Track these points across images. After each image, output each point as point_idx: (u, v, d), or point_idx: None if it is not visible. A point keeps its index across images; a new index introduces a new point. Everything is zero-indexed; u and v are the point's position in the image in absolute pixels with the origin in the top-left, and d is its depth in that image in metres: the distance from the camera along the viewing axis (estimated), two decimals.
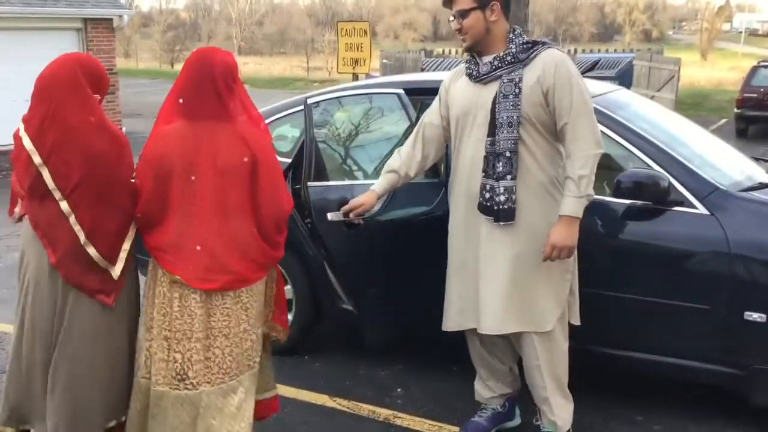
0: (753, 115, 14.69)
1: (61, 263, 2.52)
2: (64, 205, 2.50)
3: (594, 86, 3.94)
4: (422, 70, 19.76)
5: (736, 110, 15.04)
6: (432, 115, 3.02)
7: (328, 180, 3.18)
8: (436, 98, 3.04)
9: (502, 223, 2.78)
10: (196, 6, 68.32)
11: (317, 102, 3.21)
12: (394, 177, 3.05)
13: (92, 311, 2.57)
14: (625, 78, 16.93)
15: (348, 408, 3.53)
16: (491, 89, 2.80)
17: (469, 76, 2.90)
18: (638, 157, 3.30)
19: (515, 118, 2.74)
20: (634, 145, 3.33)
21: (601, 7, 75.03)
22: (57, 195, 2.51)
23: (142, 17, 51.49)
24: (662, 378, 3.45)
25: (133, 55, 44.42)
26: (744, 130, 14.97)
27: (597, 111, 3.40)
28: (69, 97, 2.56)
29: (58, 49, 13.23)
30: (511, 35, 2.83)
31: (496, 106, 2.76)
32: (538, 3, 69.50)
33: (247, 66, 44.71)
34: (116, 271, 2.55)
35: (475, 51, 2.86)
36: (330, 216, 3.01)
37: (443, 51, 22.87)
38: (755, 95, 14.62)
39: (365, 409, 3.52)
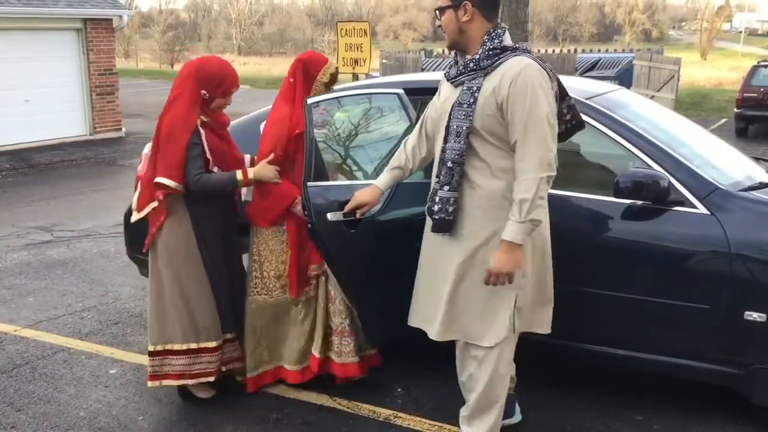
0: (753, 115, 14.69)
1: None
2: None
3: (594, 86, 3.94)
4: (422, 70, 19.74)
5: (735, 110, 15.03)
6: (432, 108, 2.98)
7: (327, 180, 3.17)
8: (437, 91, 2.99)
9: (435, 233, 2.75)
10: (195, 6, 68.29)
11: (317, 102, 3.19)
12: (399, 173, 3.02)
13: None
14: (625, 78, 16.91)
15: (348, 408, 3.53)
16: (456, 93, 2.73)
17: (445, 75, 2.85)
18: (638, 156, 3.30)
19: (464, 128, 2.64)
20: (633, 145, 3.32)
21: (600, 7, 75.00)
22: None
23: (141, 17, 51.46)
24: (663, 377, 3.45)
25: (133, 55, 44.40)
26: (744, 130, 14.96)
27: (597, 110, 3.43)
28: None
29: (58, 49, 13.37)
30: (485, 38, 2.68)
31: (452, 113, 2.68)
32: (539, 3, 69.41)
33: (247, 66, 44.67)
34: None
35: (456, 50, 2.79)
36: (330, 216, 3.00)
37: (443, 51, 22.82)
38: (755, 95, 14.62)
39: (365, 409, 3.52)
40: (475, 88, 2.64)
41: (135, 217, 3.33)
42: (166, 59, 42.35)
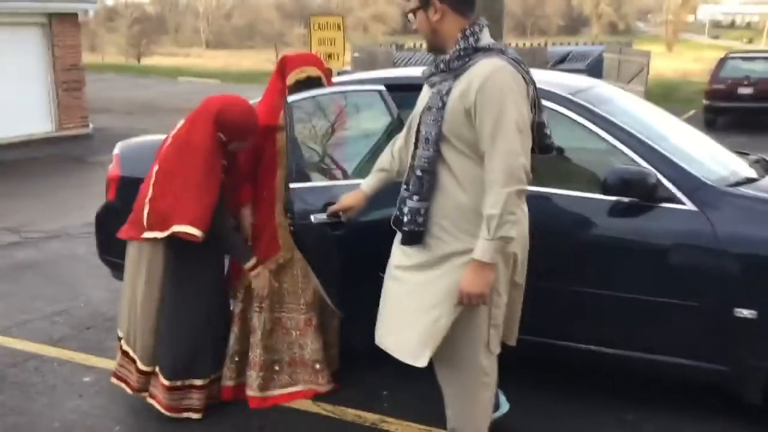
0: (721, 106, 14.87)
1: None
2: None
3: (576, 81, 3.89)
4: (394, 63, 19.64)
5: (704, 101, 15.21)
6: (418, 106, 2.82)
7: (310, 181, 3.07)
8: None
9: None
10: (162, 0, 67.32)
11: (297, 100, 3.09)
12: (384, 176, 2.90)
13: None
14: (594, 70, 16.96)
15: (333, 413, 3.44)
16: (429, 94, 2.55)
17: (422, 74, 2.67)
18: (624, 153, 3.26)
19: (433, 134, 2.45)
20: (620, 141, 3.28)
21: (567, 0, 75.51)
22: None
23: (107, 11, 50.53)
24: (655, 377, 3.42)
25: (99, 49, 43.61)
26: (713, 121, 15.14)
27: (581, 106, 3.38)
28: None
29: (22, 44, 12.99)
30: (459, 36, 2.48)
31: (422, 117, 2.52)
32: None
33: (217, 60, 44.17)
34: None
35: (434, 52, 2.61)
36: (314, 218, 2.91)
37: (414, 45, 22.74)
38: (723, 86, 14.79)
39: (350, 414, 3.44)
40: (444, 92, 2.45)
41: (146, 234, 3.19)
42: (133, 53, 41.68)
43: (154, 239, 3.15)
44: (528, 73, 2.54)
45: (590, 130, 3.33)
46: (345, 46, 9.04)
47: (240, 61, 41.91)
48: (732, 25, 76.72)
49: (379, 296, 2.77)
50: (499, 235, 2.37)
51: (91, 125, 13.69)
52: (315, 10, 67.23)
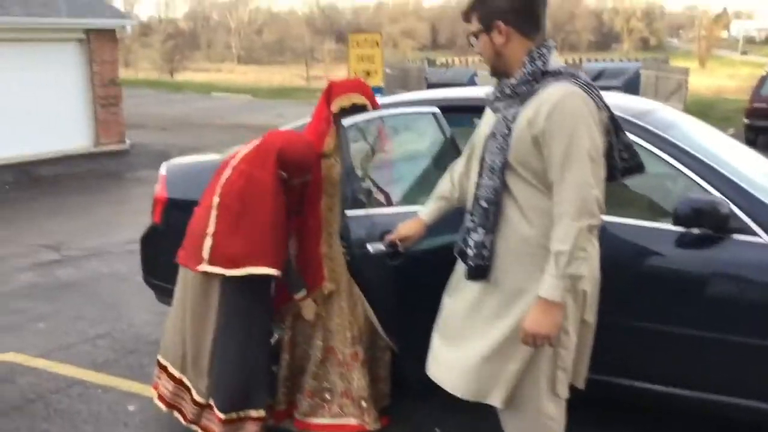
0: (762, 126, 14.51)
1: None
2: None
3: (638, 103, 3.76)
4: (426, 80, 19.60)
5: (745, 120, 14.87)
6: (480, 130, 2.67)
7: (365, 207, 2.96)
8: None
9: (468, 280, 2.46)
10: (195, 15, 68.24)
11: (353, 124, 2.98)
12: (444, 204, 2.77)
13: None
14: (631, 87, 16.79)
15: None
16: (493, 121, 2.42)
17: (485, 98, 2.54)
18: (695, 181, 3.11)
19: (498, 163, 2.32)
20: (689, 168, 3.13)
21: (598, 15, 75.09)
22: None
23: (141, 27, 51.31)
24: (724, 419, 3.24)
25: (133, 64, 44.25)
26: (753, 141, 14.79)
27: (647, 131, 3.23)
28: None
29: (61, 59, 13.16)
30: (525, 59, 2.34)
31: (487, 144, 2.39)
32: None
33: (247, 75, 44.57)
34: None
35: (498, 76, 2.47)
36: (371, 247, 2.80)
37: (446, 61, 22.72)
38: (765, 105, 14.45)
39: None
40: (510, 118, 2.32)
41: (205, 268, 3.09)
42: (166, 69, 42.20)
43: (218, 276, 3.07)
44: (601, 98, 2.40)
45: (657, 156, 3.18)
46: (383, 63, 8.99)
47: (270, 77, 42.26)
48: (767, 41, 75.56)
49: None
50: (569, 272, 2.24)
51: (128, 141, 13.78)
52: (344, 26, 67.79)
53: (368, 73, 8.77)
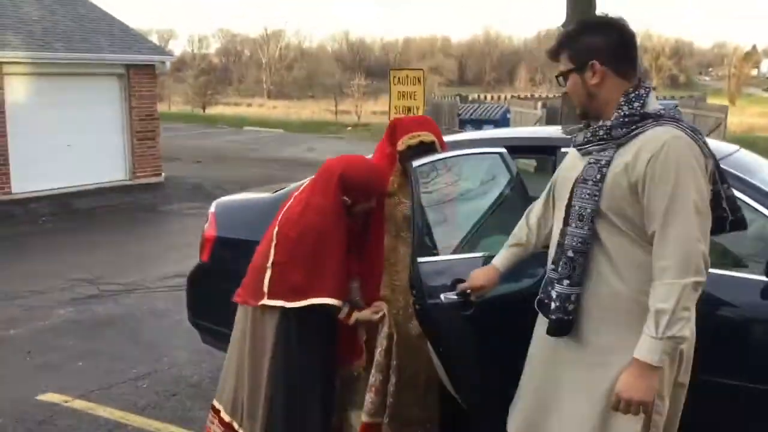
0: None
1: None
2: None
3: (720, 145, 3.57)
4: (458, 115, 19.54)
5: None
6: (561, 172, 2.50)
7: (436, 254, 2.79)
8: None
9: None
10: (227, 51, 69.42)
11: (423, 164, 2.83)
12: (520, 251, 2.59)
13: None
14: None
15: None
16: (582, 164, 2.23)
17: (572, 140, 2.35)
18: None
19: (588, 211, 2.15)
20: None
21: None
22: None
23: (175, 62, 52.26)
24: None
25: (166, 98, 44.92)
26: None
27: (732, 176, 3.03)
28: None
29: (100, 94, 13.24)
30: (622, 100, 2.17)
31: (575, 189, 2.20)
32: None
33: (277, 110, 45.00)
34: None
35: (588, 119, 2.30)
36: (444, 297, 2.63)
37: (478, 96, 22.71)
38: None
39: None
40: (603, 162, 2.15)
41: (266, 302, 2.91)
42: (198, 103, 42.76)
43: (273, 307, 2.90)
44: (707, 144, 2.21)
45: (744, 203, 2.98)
46: (424, 100, 8.91)
47: (300, 111, 42.61)
48: None
49: (512, 387, 2.47)
50: (670, 334, 2.03)
51: (163, 174, 13.83)
52: (373, 62, 68.45)
53: (409, 110, 8.67)
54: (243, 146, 22.00)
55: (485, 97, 22.56)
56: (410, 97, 8.72)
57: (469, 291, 2.61)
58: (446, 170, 2.94)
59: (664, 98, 22.19)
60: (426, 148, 3.08)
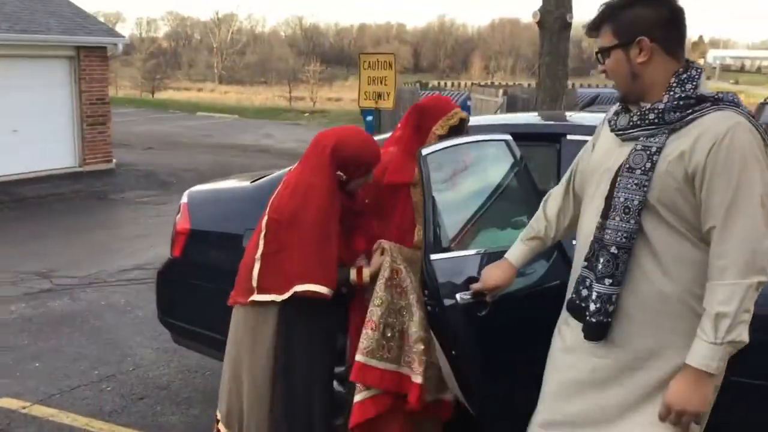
0: None
1: None
2: None
3: None
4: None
5: None
6: (583, 160, 2.29)
7: (447, 250, 2.55)
8: (591, 139, 2.32)
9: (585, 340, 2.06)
10: (176, 35, 67.81)
11: (432, 152, 2.59)
12: (537, 245, 2.38)
13: None
14: None
15: None
16: (624, 151, 2.03)
17: (609, 123, 2.13)
18: None
19: (636, 203, 1.95)
20: None
21: (578, 42, 75.80)
22: None
23: (123, 46, 50.73)
24: None
25: (113, 82, 43.62)
26: None
27: None
28: None
29: (49, 77, 12.61)
30: (673, 81, 1.99)
31: (619, 178, 2.00)
32: (518, 36, 70.15)
33: (229, 95, 44.09)
34: None
35: (629, 102, 2.10)
36: (460, 297, 2.40)
37: (438, 84, 22.57)
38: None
39: None
40: (654, 149, 1.95)
41: (256, 297, 2.65)
42: (147, 87, 41.61)
43: (265, 303, 2.63)
44: (766, 132, 2.00)
45: None
46: (396, 86, 8.65)
47: (253, 97, 41.86)
48: (742, 69, 76.78)
49: (530, 395, 2.27)
50: (730, 338, 1.86)
51: (114, 160, 13.29)
52: (326, 50, 67.66)
53: (379, 96, 8.41)
54: (197, 132, 21.40)
55: (445, 85, 22.38)
56: (381, 82, 8.45)
57: (484, 291, 2.39)
58: (455, 158, 2.70)
59: (605, 86, 22.35)
60: (458, 128, 2.89)
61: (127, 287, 6.34)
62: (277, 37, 72.23)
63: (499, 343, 2.50)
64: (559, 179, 3.14)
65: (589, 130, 3.19)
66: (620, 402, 2.05)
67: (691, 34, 70.60)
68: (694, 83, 1.97)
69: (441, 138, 2.78)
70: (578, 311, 2.09)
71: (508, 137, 2.93)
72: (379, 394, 2.68)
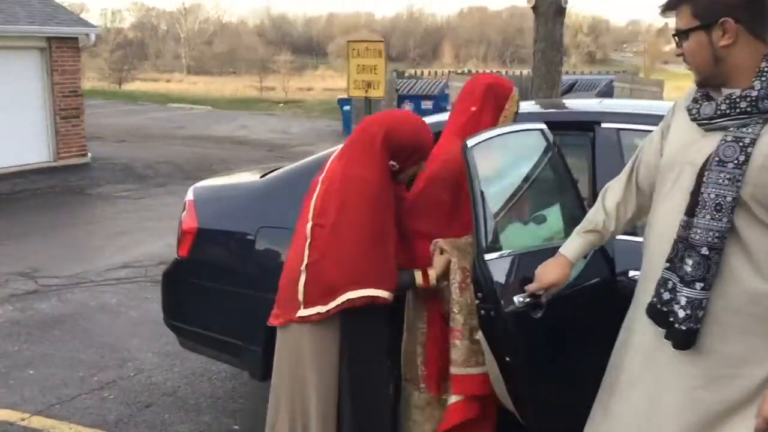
0: None
1: None
2: None
3: None
4: (397, 91, 19.14)
5: None
6: (651, 150, 2.15)
7: (502, 249, 2.39)
8: (658, 127, 2.16)
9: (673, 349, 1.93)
10: (142, 26, 66.62)
11: (478, 143, 2.42)
12: (595, 238, 2.24)
13: None
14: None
15: None
16: (710, 143, 1.89)
17: (689, 112, 1.99)
18: None
19: (729, 200, 1.82)
20: None
21: None
22: None
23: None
24: None
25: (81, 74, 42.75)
26: None
27: None
28: None
29: (20, 69, 12.18)
30: (764, 64, 1.85)
31: (706, 172, 1.87)
32: (487, 24, 70.24)
33: (198, 86, 43.41)
34: None
35: (706, 86, 1.97)
36: (518, 301, 2.25)
37: (415, 72, 22.38)
38: None
39: None
40: (747, 140, 1.81)
41: (302, 312, 2.44)
42: (115, 78, 40.79)
43: (318, 316, 2.41)
44: None
45: None
46: (386, 74, 8.46)
47: (222, 87, 41.24)
48: None
49: (584, 401, 2.15)
50: None
51: (89, 154, 12.92)
52: (296, 38, 66.99)
53: (369, 85, 8.21)
54: (170, 124, 20.97)
55: (422, 73, 22.20)
56: (371, 70, 8.25)
57: (540, 290, 2.25)
58: (499, 149, 2.54)
59: (599, 73, 22.40)
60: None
61: (116, 287, 6.10)
62: (244, 27, 71.38)
63: (553, 347, 2.37)
64: (593, 169, 3.03)
65: (625, 117, 3.10)
66: (709, 415, 1.91)
67: (658, 20, 71.47)
68: None
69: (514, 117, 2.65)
70: (661, 317, 1.95)
71: (544, 126, 2.80)
72: (469, 398, 2.54)
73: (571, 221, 2.73)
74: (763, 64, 1.86)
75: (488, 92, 2.70)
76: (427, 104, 17.52)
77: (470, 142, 2.38)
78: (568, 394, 2.36)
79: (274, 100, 30.89)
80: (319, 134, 18.96)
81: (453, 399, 2.54)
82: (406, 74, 20.95)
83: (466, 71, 23.07)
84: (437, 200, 2.60)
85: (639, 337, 2.07)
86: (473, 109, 2.68)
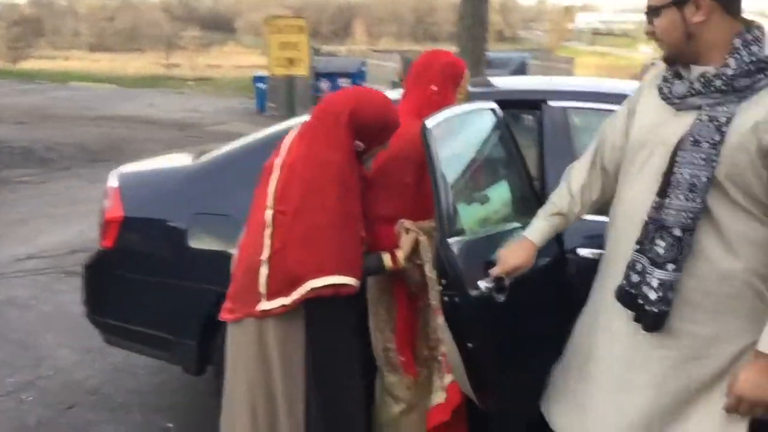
0: None
1: None
2: None
3: None
4: (314, 68, 18.86)
5: None
6: (615, 130, 2.10)
7: (462, 233, 2.28)
8: (623, 107, 2.12)
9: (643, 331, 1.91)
10: (39, 2, 63.12)
11: (437, 123, 2.29)
12: (560, 221, 2.18)
13: None
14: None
15: None
16: (683, 122, 1.85)
17: (660, 90, 1.95)
18: None
19: (703, 180, 1.78)
20: None
21: (457, 7, 76.91)
22: None
23: None
24: None
25: None
26: None
27: None
28: None
29: None
30: (737, 41, 1.81)
31: (680, 152, 1.83)
32: (399, 2, 70.25)
33: (100, 63, 41.57)
34: None
35: (676, 64, 1.90)
36: (483, 286, 2.15)
37: (332, 49, 22.11)
38: None
39: None
40: (723, 120, 1.77)
41: (265, 306, 2.24)
42: (9, 57, 38.52)
43: (282, 308, 2.23)
44: None
45: None
46: (308, 51, 8.22)
47: (126, 65, 39.60)
48: (611, 33, 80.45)
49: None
50: None
51: None
52: (204, 13, 65.05)
53: (291, 62, 7.96)
54: (72, 103, 19.91)
55: (339, 50, 21.96)
56: (293, 47, 8.00)
57: (503, 274, 2.16)
58: (455, 129, 2.43)
59: (516, 51, 22.80)
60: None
61: (24, 279, 5.69)
62: (147, 3, 68.72)
63: (514, 332, 2.30)
64: (541, 147, 2.98)
65: (572, 95, 3.05)
66: (680, 395, 1.89)
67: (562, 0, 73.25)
68: (759, 45, 1.80)
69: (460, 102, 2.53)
70: (630, 299, 1.90)
71: (495, 105, 2.72)
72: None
73: (521, 201, 2.68)
74: (737, 41, 1.82)
75: (446, 70, 2.59)
76: (344, 82, 17.31)
77: (429, 123, 2.26)
78: (528, 376, 2.30)
79: (183, 78, 29.92)
80: (231, 113, 18.43)
81: (448, 378, 2.41)
82: (322, 51, 20.65)
83: (385, 50, 22.99)
84: (400, 182, 2.47)
85: (605, 320, 2.03)
86: (434, 88, 2.55)
